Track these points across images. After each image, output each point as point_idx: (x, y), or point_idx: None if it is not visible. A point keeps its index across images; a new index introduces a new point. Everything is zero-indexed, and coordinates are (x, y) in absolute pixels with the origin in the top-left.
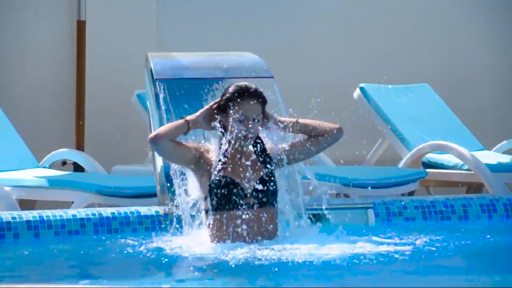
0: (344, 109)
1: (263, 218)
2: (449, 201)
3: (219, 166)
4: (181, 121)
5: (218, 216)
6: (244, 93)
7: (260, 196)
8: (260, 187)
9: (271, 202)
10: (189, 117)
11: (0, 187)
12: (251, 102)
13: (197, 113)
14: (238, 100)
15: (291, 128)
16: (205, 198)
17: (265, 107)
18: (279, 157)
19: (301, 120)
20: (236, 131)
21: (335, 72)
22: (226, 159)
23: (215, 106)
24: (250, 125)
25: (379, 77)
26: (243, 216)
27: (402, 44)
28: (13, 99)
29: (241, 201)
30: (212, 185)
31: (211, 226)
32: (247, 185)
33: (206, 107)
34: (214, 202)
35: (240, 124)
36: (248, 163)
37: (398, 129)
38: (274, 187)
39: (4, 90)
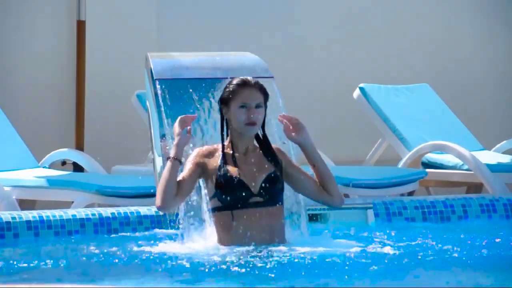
0: (344, 109)
1: (270, 217)
2: (448, 201)
3: (224, 166)
4: (169, 164)
5: (224, 215)
6: (243, 83)
7: (267, 195)
8: (266, 186)
9: (278, 201)
10: (172, 152)
11: (0, 187)
12: (251, 90)
13: (177, 139)
14: (239, 90)
15: (311, 160)
16: (211, 198)
17: (267, 99)
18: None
19: (322, 165)
20: (239, 118)
21: (335, 72)
22: (228, 159)
23: (190, 118)
24: (251, 111)
25: (379, 77)
26: (249, 215)
27: (402, 44)
28: (13, 99)
29: (247, 200)
30: (218, 184)
31: (216, 225)
32: (253, 184)
33: (177, 123)
34: (220, 201)
35: (242, 109)
36: (255, 161)
37: (397, 129)
38: (280, 186)
39: (4, 90)
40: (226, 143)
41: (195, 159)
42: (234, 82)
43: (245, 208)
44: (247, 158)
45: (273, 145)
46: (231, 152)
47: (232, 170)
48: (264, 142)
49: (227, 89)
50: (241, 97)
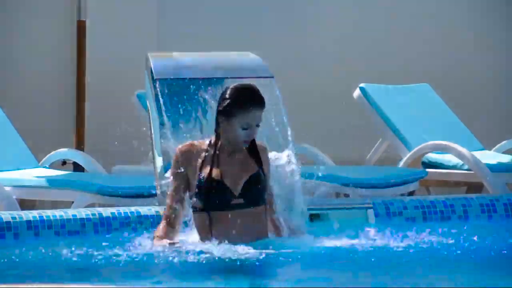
0: (344, 109)
1: (251, 218)
2: (449, 201)
3: (207, 167)
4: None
5: (204, 216)
6: (250, 102)
7: (249, 196)
8: (249, 187)
9: (260, 201)
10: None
11: (0, 187)
12: (257, 111)
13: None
14: (244, 111)
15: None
16: (192, 197)
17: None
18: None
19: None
20: (238, 137)
21: (335, 72)
22: (211, 159)
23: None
24: (251, 130)
25: (379, 77)
26: (230, 217)
27: (402, 44)
28: (13, 99)
29: (229, 203)
30: (200, 184)
31: (197, 224)
32: (235, 185)
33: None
34: (201, 202)
35: (244, 130)
36: (239, 161)
37: (398, 129)
38: (263, 185)
39: (4, 90)
40: (212, 141)
41: (177, 166)
42: (237, 96)
43: (226, 210)
44: (232, 158)
45: (260, 144)
46: (217, 152)
47: (215, 171)
48: (251, 144)
49: (230, 102)
50: (245, 118)
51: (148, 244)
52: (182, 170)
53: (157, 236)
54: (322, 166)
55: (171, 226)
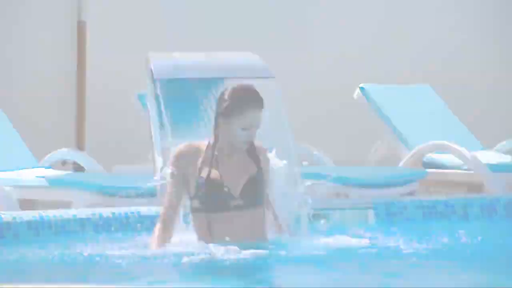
0: (344, 109)
1: (250, 219)
2: (449, 201)
3: (206, 168)
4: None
5: (203, 218)
6: (249, 103)
7: (248, 197)
8: (248, 188)
9: (259, 202)
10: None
11: (0, 187)
12: (256, 112)
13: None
14: (244, 112)
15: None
16: (191, 198)
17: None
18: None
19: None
20: (238, 138)
21: (335, 72)
22: (211, 160)
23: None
24: (252, 131)
25: (379, 77)
26: (229, 219)
27: (402, 44)
28: (13, 99)
29: (228, 204)
30: (198, 187)
31: (196, 225)
32: (235, 186)
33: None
34: (200, 203)
35: (243, 131)
36: (239, 162)
37: (397, 129)
38: (262, 188)
39: (4, 90)
40: (211, 142)
41: (176, 166)
42: (238, 97)
43: (225, 212)
44: (231, 160)
45: (259, 144)
46: (215, 153)
47: (214, 173)
48: (250, 146)
49: (229, 103)
50: (244, 120)
51: (147, 244)
52: (181, 170)
53: (153, 242)
54: (322, 166)
55: (168, 228)
